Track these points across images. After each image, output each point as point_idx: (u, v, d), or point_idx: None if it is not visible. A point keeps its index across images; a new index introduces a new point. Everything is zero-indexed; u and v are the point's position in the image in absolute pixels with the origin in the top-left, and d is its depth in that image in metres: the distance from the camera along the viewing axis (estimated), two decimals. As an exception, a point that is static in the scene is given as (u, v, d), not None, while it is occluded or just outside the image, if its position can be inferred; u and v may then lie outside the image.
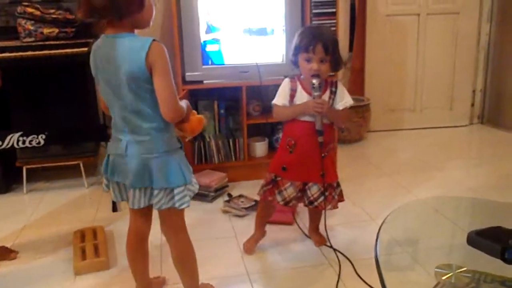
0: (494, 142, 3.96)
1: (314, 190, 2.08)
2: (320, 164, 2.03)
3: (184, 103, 1.59)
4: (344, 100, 2.04)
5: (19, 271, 2.14)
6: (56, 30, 2.80)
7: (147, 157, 1.55)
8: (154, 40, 1.47)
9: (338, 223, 2.50)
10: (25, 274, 2.12)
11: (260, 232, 2.27)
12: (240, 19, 2.85)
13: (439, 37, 4.08)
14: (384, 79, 4.10)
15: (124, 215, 2.65)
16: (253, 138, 3.11)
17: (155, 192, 1.57)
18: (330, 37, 2.00)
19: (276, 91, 2.09)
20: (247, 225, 2.47)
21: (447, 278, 1.26)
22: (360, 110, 3.80)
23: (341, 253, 2.18)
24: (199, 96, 3.05)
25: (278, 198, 2.09)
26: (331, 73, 2.11)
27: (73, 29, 2.86)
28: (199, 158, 3.04)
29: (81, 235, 2.34)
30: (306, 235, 2.35)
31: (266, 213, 2.25)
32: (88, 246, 2.21)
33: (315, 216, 2.29)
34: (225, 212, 2.65)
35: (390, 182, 3.07)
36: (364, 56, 4.03)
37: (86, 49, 2.64)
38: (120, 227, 2.52)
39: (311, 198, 2.08)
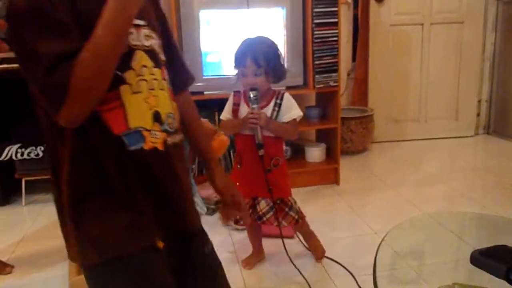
0: (500, 152, 3.90)
1: (262, 205, 2.03)
2: (264, 178, 1.97)
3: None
4: (291, 112, 1.98)
5: (14, 286, 2.10)
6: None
7: None
8: None
9: (341, 236, 2.45)
10: (19, 289, 2.08)
11: (255, 249, 2.24)
12: (240, 30, 2.83)
13: (443, 47, 4.04)
14: (388, 89, 4.06)
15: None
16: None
17: None
18: (262, 49, 1.91)
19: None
20: (247, 239, 2.42)
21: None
22: (364, 120, 3.76)
23: (344, 267, 2.13)
24: (199, 107, 2.99)
25: (253, 215, 2.06)
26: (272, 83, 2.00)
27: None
28: (200, 169, 3.00)
29: (78, 249, 2.29)
30: (307, 248, 2.30)
31: (251, 230, 2.23)
32: (85, 260, 2.16)
33: (303, 234, 2.25)
34: (225, 225, 2.60)
35: (394, 194, 3.01)
36: (367, 66, 4.00)
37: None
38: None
39: (260, 213, 2.03)
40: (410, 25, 3.97)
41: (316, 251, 2.24)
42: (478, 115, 4.29)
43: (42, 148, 2.76)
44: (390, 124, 4.14)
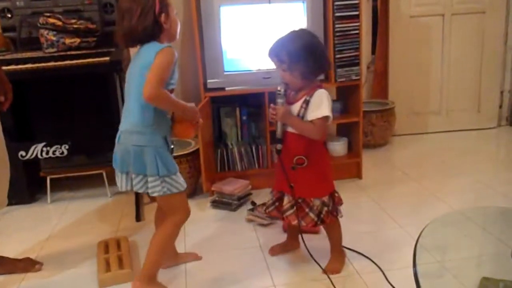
0: (524, 144, 3.85)
1: (285, 201, 2.04)
2: (283, 174, 1.98)
3: (190, 105, 1.88)
4: (317, 111, 1.90)
5: (44, 284, 2.13)
6: (78, 40, 2.80)
7: (129, 145, 1.80)
8: (170, 46, 1.76)
9: (367, 230, 2.44)
10: (49, 286, 2.11)
11: (287, 240, 2.27)
12: (261, 24, 2.82)
13: (465, 38, 3.98)
14: (408, 82, 4.02)
15: (148, 224, 2.64)
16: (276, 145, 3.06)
17: (133, 176, 1.83)
18: (287, 45, 1.90)
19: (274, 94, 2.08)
20: (272, 234, 2.43)
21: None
22: (385, 114, 3.73)
23: (373, 261, 2.13)
24: (221, 103, 3.02)
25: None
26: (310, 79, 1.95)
27: (95, 39, 2.87)
28: (222, 165, 3.01)
29: (105, 246, 2.32)
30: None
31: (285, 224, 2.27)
32: (112, 257, 2.19)
33: (328, 234, 2.16)
34: (249, 221, 2.61)
35: (418, 187, 2.99)
36: (387, 59, 3.96)
37: (108, 58, 2.64)
38: (143, 237, 2.49)
39: (282, 209, 2.04)
40: (431, 16, 3.92)
41: (330, 263, 2.12)
42: (501, 106, 4.22)
43: (67, 147, 2.78)
44: (411, 117, 4.10)
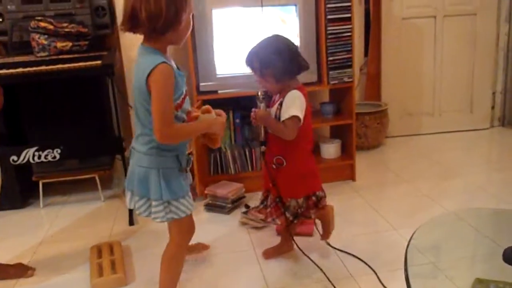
0: (516, 145, 3.87)
1: (270, 199, 2.12)
2: (267, 174, 2.08)
3: (214, 118, 1.73)
4: (286, 111, 1.94)
5: (36, 289, 2.12)
6: (70, 44, 2.79)
7: (134, 165, 1.67)
8: (160, 63, 1.51)
9: (360, 232, 2.43)
10: (42, 292, 2.10)
11: (280, 242, 2.27)
12: (254, 27, 2.82)
13: (457, 39, 4.00)
14: (401, 84, 4.03)
15: (141, 228, 2.63)
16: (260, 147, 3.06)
17: (136, 198, 1.69)
18: (257, 52, 1.97)
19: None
20: (266, 237, 2.42)
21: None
22: (378, 115, 3.74)
23: (366, 263, 2.13)
24: (213, 106, 3.00)
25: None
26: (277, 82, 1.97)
27: (87, 42, 2.85)
28: (215, 169, 3.00)
29: (98, 250, 2.30)
30: (330, 245, 2.29)
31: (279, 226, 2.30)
32: (105, 262, 2.18)
33: (322, 225, 2.24)
34: (242, 224, 2.60)
35: (411, 189, 2.99)
36: (380, 61, 3.97)
37: (99, 62, 2.63)
38: (137, 241, 2.49)
39: (268, 204, 2.14)
40: (423, 18, 3.93)
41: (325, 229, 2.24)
42: (493, 107, 4.24)
43: (59, 151, 2.76)
44: (404, 119, 4.11)
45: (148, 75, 1.50)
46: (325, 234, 2.23)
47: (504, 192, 2.86)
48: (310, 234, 2.40)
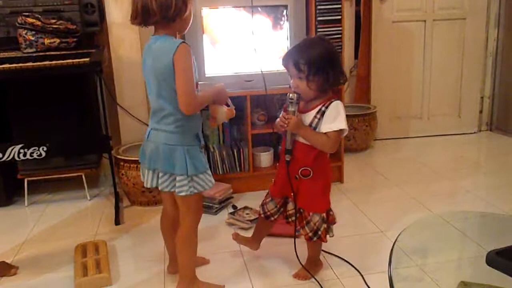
0: (503, 149, 3.90)
1: (290, 206, 2.04)
2: (288, 183, 1.94)
3: (215, 88, 1.88)
4: (332, 123, 1.83)
5: (19, 288, 2.09)
6: (57, 41, 2.76)
7: (159, 144, 1.78)
8: (182, 42, 1.67)
9: (347, 234, 2.43)
10: (25, 291, 2.07)
11: (252, 238, 2.23)
12: (244, 27, 2.81)
13: (446, 43, 4.02)
14: (390, 87, 4.04)
15: (127, 228, 2.61)
16: (258, 148, 3.05)
17: (160, 174, 1.81)
18: (308, 54, 1.82)
19: (282, 100, 2.04)
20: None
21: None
22: (367, 118, 3.75)
23: (352, 265, 2.12)
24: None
25: (261, 210, 2.10)
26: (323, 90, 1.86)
27: (75, 39, 2.83)
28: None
29: (83, 250, 2.28)
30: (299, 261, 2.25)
31: (259, 226, 2.20)
32: (90, 261, 2.15)
33: (309, 247, 2.09)
34: (229, 224, 2.59)
35: (399, 192, 3.00)
36: (369, 63, 3.98)
37: (87, 59, 2.60)
38: (123, 241, 2.47)
39: (287, 214, 2.05)
40: (413, 21, 3.95)
41: (301, 270, 2.08)
42: (481, 111, 4.27)
43: (45, 148, 2.73)
44: (393, 121, 4.13)
45: (174, 53, 1.64)
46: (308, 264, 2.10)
47: (492, 196, 2.88)
48: (291, 235, 2.39)
